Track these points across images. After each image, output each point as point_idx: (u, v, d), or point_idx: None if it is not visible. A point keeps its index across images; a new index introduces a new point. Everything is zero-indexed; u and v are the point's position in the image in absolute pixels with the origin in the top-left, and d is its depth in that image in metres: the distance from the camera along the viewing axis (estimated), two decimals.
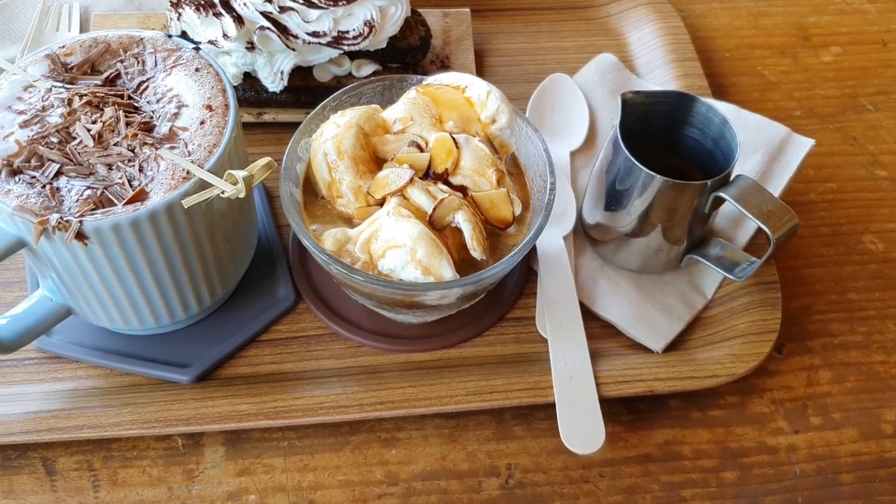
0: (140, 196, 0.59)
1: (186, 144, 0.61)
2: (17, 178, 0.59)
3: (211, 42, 0.78)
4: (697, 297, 0.77)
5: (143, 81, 0.65)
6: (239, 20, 0.77)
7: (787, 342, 0.77)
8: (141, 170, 0.60)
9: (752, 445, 0.70)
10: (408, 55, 0.86)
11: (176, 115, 0.63)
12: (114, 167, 0.60)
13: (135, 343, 0.71)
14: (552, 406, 0.68)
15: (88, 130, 0.61)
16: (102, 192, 0.59)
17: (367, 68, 0.86)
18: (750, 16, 1.06)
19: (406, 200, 0.64)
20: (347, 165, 0.65)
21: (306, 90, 0.85)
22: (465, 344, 0.73)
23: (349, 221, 0.66)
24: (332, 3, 0.78)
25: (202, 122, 0.63)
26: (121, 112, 0.62)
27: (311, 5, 0.78)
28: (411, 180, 0.64)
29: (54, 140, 0.60)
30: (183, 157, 0.60)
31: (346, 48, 0.81)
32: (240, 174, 0.59)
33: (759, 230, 0.75)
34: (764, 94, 0.97)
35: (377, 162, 0.67)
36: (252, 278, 0.75)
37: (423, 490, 0.67)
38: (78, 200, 0.58)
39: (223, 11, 0.77)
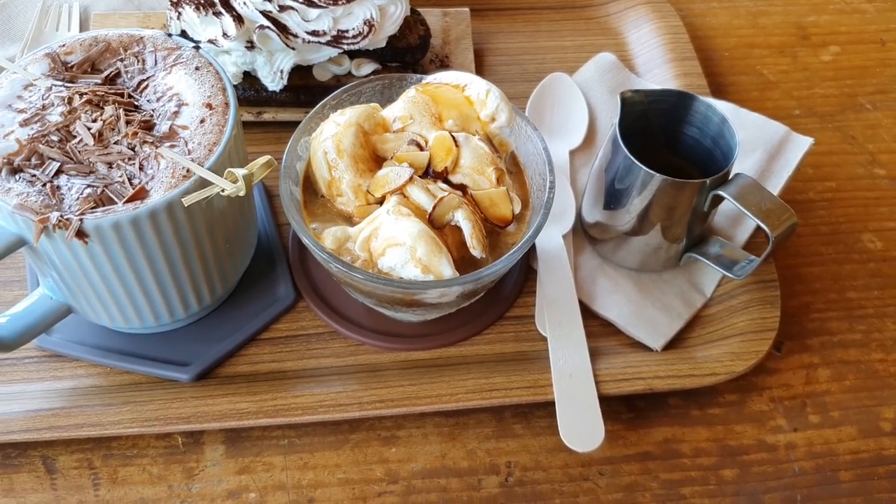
0: (140, 194, 0.59)
1: (186, 143, 0.61)
2: (17, 177, 0.59)
3: (211, 41, 0.78)
4: (697, 296, 0.77)
5: (144, 80, 0.65)
6: (238, 19, 0.77)
7: (786, 340, 0.77)
8: (141, 168, 0.60)
9: (751, 443, 0.71)
10: (407, 54, 0.86)
11: (176, 113, 0.63)
12: (114, 165, 0.60)
13: (135, 341, 0.71)
14: (552, 404, 0.68)
15: (89, 129, 0.61)
16: (103, 191, 0.59)
17: (367, 67, 0.86)
18: (749, 15, 1.06)
19: (406, 199, 0.64)
20: (347, 164, 0.65)
21: (306, 89, 0.85)
22: (465, 342, 0.74)
23: (349, 220, 0.67)
24: (331, 2, 0.78)
25: (202, 121, 0.63)
26: (121, 110, 0.62)
27: (310, 4, 0.78)
28: (411, 179, 0.64)
29: (54, 138, 0.60)
30: (183, 156, 0.60)
31: (345, 47, 0.81)
32: (240, 172, 0.59)
33: (758, 228, 0.76)
34: (763, 93, 0.97)
35: (377, 160, 0.67)
36: (252, 277, 0.75)
37: (423, 488, 0.67)
38: (78, 199, 0.58)
39: (223, 10, 0.77)
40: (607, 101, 0.90)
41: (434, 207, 0.63)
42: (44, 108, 0.62)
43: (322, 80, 0.86)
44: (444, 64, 0.92)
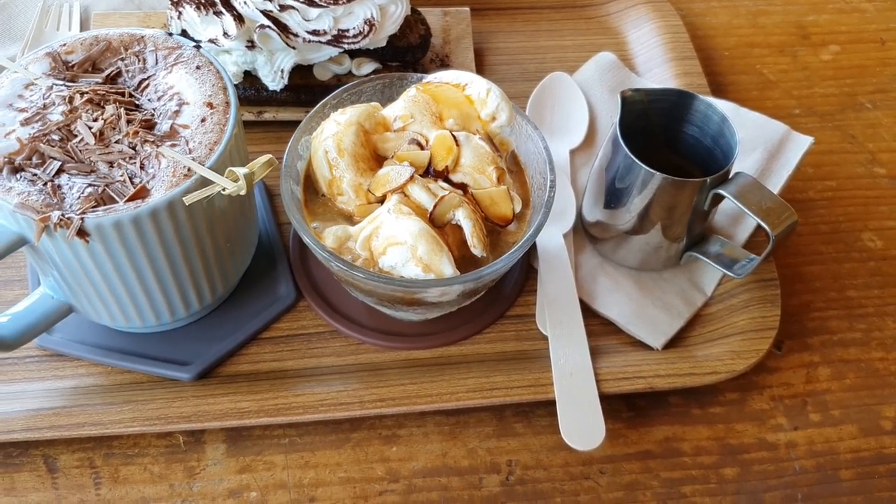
0: (141, 193, 0.59)
1: (187, 142, 0.61)
2: (18, 176, 0.59)
3: (211, 40, 0.78)
4: (697, 295, 0.77)
5: (144, 79, 0.65)
6: (239, 18, 0.77)
7: (786, 339, 0.77)
8: (142, 167, 0.60)
9: (751, 442, 0.71)
10: (408, 54, 0.86)
11: (177, 112, 0.63)
12: (115, 165, 0.60)
13: (136, 341, 0.71)
14: (552, 403, 0.68)
15: (90, 128, 0.61)
16: (104, 190, 0.59)
17: (368, 67, 0.86)
18: (749, 14, 1.06)
19: (407, 198, 0.64)
20: (348, 163, 0.65)
21: (306, 88, 0.85)
22: (466, 341, 0.74)
23: (350, 219, 0.67)
24: (332, 1, 0.78)
25: (203, 120, 0.63)
26: (122, 110, 0.62)
27: (311, 4, 0.78)
28: (412, 178, 0.64)
29: (55, 138, 0.61)
30: (184, 155, 0.60)
31: (346, 46, 0.81)
32: (241, 171, 0.59)
33: (759, 227, 0.76)
34: (763, 92, 0.97)
35: (377, 159, 0.68)
36: (253, 276, 0.75)
37: (424, 487, 0.67)
38: (79, 198, 0.58)
39: (223, 10, 0.77)
40: (607, 100, 0.90)
41: (435, 206, 0.63)
42: (45, 107, 0.62)
43: (323, 80, 0.86)
44: (444, 63, 0.92)
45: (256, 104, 0.86)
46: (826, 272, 0.82)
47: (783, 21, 1.06)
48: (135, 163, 0.60)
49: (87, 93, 0.63)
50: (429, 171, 0.66)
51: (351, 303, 0.74)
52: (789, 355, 0.76)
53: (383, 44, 0.84)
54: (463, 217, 0.63)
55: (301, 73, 0.84)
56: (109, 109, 0.62)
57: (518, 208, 0.67)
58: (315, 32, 0.79)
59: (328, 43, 0.80)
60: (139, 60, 0.67)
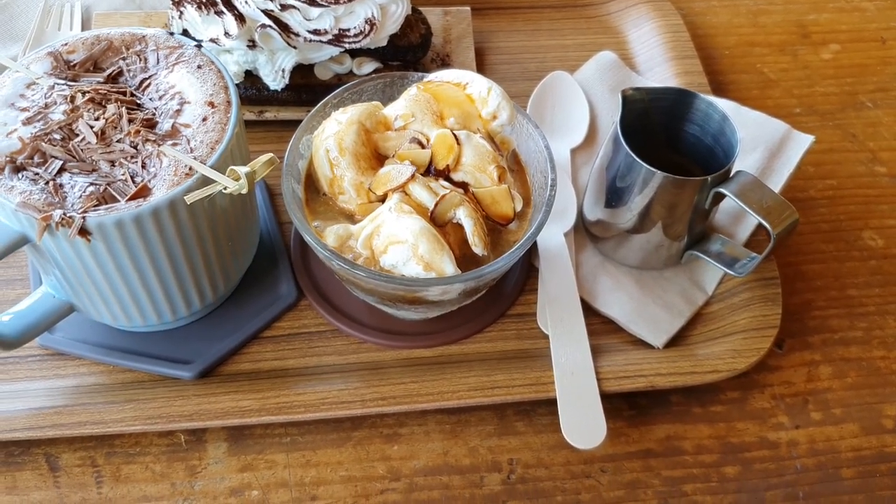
0: (143, 192, 0.59)
1: (189, 141, 0.61)
2: (20, 175, 0.59)
3: (212, 40, 0.78)
4: (698, 293, 0.77)
5: (146, 78, 0.65)
6: (240, 18, 0.77)
7: (787, 338, 0.77)
8: (143, 166, 0.60)
9: (752, 440, 0.71)
10: (408, 53, 0.86)
11: (178, 111, 0.63)
12: (116, 164, 0.60)
13: (137, 340, 0.71)
14: (553, 402, 0.68)
15: (91, 127, 0.61)
16: (105, 189, 0.59)
17: (368, 66, 0.86)
18: (749, 13, 1.06)
19: (408, 196, 0.64)
20: (349, 162, 0.66)
21: (307, 88, 0.85)
22: (467, 340, 0.74)
23: (351, 218, 0.67)
24: (333, 0, 0.78)
25: (204, 119, 0.63)
26: (123, 109, 0.62)
27: (312, 3, 0.78)
28: (413, 176, 0.64)
29: (57, 137, 0.61)
30: (185, 154, 0.60)
31: (347, 46, 0.81)
32: (242, 170, 0.59)
33: (760, 226, 0.76)
34: (764, 91, 0.97)
35: (379, 158, 0.68)
36: (254, 275, 0.75)
37: (425, 485, 0.67)
38: (81, 197, 0.58)
39: (224, 9, 0.77)
40: (608, 99, 0.90)
41: (436, 205, 0.63)
42: (46, 106, 0.62)
43: (324, 79, 0.86)
44: (445, 63, 0.92)
45: (257, 104, 0.86)
46: (827, 271, 0.82)
47: (784, 20, 1.06)
48: (136, 162, 0.60)
49: (88, 92, 0.63)
50: (430, 170, 0.66)
51: (352, 302, 0.74)
52: (790, 354, 0.76)
53: (384, 43, 0.84)
54: (464, 216, 0.63)
55: (302, 72, 0.84)
56: (111, 108, 0.62)
57: (519, 207, 0.67)
58: (316, 32, 0.79)
59: (329, 42, 0.80)
60: (140, 60, 0.67)
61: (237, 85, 0.82)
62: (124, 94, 0.64)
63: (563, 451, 0.69)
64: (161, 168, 0.60)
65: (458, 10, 0.97)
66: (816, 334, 0.77)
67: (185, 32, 0.80)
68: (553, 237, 0.78)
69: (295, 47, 0.80)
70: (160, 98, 0.64)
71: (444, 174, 0.66)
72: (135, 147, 0.61)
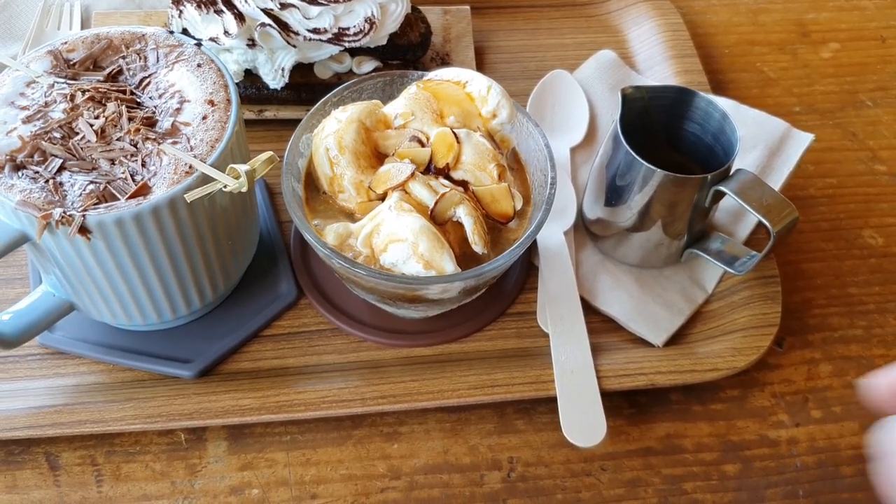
0: (143, 191, 0.59)
1: (189, 139, 0.61)
2: (20, 174, 0.59)
3: (212, 39, 0.78)
4: (698, 292, 0.77)
5: (146, 77, 0.65)
6: (240, 17, 0.77)
7: (787, 336, 0.77)
8: (143, 165, 0.60)
9: (753, 438, 0.71)
10: (408, 52, 0.86)
11: (178, 110, 0.63)
12: (116, 162, 0.60)
13: (137, 338, 0.71)
14: (553, 400, 0.68)
15: (91, 126, 0.61)
16: (105, 187, 0.59)
17: (368, 65, 0.86)
18: (749, 12, 1.06)
19: (407, 195, 0.64)
20: (349, 160, 0.66)
21: (307, 87, 0.85)
22: (467, 338, 0.74)
23: (351, 216, 0.67)
24: None
25: (204, 117, 0.63)
26: (123, 107, 0.62)
27: (312, 2, 0.78)
28: (413, 175, 0.64)
29: (57, 135, 0.61)
30: (185, 152, 0.60)
31: (346, 45, 0.81)
32: (242, 168, 0.59)
33: (760, 224, 0.76)
34: (763, 90, 0.97)
35: (378, 157, 0.68)
36: (254, 274, 0.75)
37: (426, 484, 0.67)
38: (81, 195, 0.58)
39: (224, 8, 0.77)
40: (608, 98, 0.90)
41: (436, 203, 0.63)
42: (46, 105, 0.62)
43: (323, 78, 0.86)
44: (444, 62, 0.92)
45: (257, 103, 0.86)
46: (827, 269, 0.82)
47: (783, 19, 1.06)
48: (136, 160, 0.60)
49: (88, 90, 0.63)
50: (430, 169, 0.66)
51: (352, 300, 0.74)
52: (790, 352, 0.76)
53: (384, 42, 0.84)
54: (464, 214, 0.63)
55: (302, 71, 0.84)
56: (111, 107, 0.62)
57: (519, 205, 0.67)
58: (316, 31, 0.79)
59: (329, 41, 0.80)
60: (140, 58, 0.67)
61: (237, 84, 0.82)
62: (124, 92, 0.64)
63: (564, 450, 0.69)
64: (161, 166, 0.60)
65: (457, 9, 0.97)
66: (816, 332, 0.77)
67: (185, 31, 0.80)
68: (553, 236, 0.78)
69: (294, 46, 0.80)
70: (160, 96, 0.64)
71: (444, 172, 0.66)
72: (135, 145, 0.61)
